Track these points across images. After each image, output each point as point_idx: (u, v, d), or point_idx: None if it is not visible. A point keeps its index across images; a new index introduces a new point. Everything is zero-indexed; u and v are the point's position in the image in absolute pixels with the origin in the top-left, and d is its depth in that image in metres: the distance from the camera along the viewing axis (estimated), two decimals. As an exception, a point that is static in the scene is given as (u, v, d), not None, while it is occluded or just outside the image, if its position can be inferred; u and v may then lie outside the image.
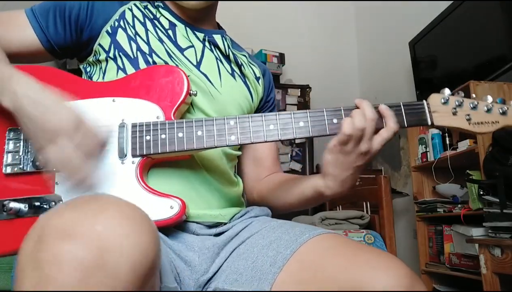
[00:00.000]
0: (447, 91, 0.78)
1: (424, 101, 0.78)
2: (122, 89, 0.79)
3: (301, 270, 0.67)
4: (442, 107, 0.77)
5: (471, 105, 0.77)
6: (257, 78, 0.99)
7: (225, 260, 0.77)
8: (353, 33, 3.77)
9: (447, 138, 2.26)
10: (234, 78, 0.93)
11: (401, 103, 0.77)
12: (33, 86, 0.70)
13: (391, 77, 3.21)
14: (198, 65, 0.88)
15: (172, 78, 0.78)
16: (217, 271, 0.76)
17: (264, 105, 1.03)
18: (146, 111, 0.77)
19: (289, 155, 2.96)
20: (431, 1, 2.60)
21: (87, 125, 0.68)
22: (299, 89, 3.15)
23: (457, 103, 0.77)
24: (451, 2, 2.32)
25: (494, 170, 1.67)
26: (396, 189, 2.86)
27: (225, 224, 0.83)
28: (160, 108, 0.77)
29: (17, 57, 0.84)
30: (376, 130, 0.73)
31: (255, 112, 1.00)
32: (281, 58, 3.15)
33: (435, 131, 2.32)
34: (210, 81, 0.88)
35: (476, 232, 1.88)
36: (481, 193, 1.76)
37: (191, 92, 0.79)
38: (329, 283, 0.63)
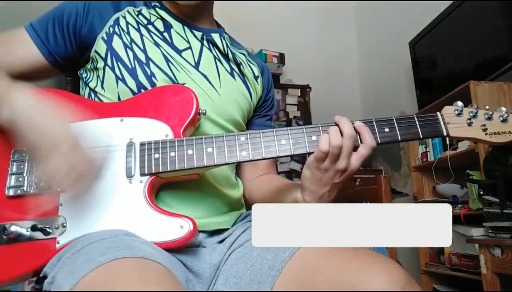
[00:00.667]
0: (459, 103, 0.78)
1: (438, 113, 0.77)
2: (130, 109, 0.78)
3: (299, 273, 0.67)
4: (456, 118, 0.77)
5: (486, 116, 0.77)
6: (256, 77, 0.98)
7: (224, 263, 0.77)
8: (353, 33, 3.77)
9: (447, 138, 2.26)
10: (234, 77, 0.93)
11: (415, 115, 0.76)
12: (30, 96, 0.69)
13: (391, 77, 3.21)
14: (196, 66, 0.87)
15: (181, 97, 0.77)
16: (218, 275, 0.76)
17: (263, 105, 1.02)
18: (155, 130, 0.75)
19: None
20: (431, 1, 2.60)
21: (82, 146, 0.67)
22: (299, 89, 3.16)
23: (471, 114, 0.77)
24: (451, 2, 2.32)
25: (494, 170, 1.67)
26: (396, 189, 2.85)
27: (227, 229, 0.83)
28: (169, 127, 0.75)
29: (22, 77, 0.82)
30: (355, 148, 0.72)
31: (254, 111, 1.00)
32: (281, 58, 3.15)
33: (435, 131, 2.32)
34: (209, 82, 0.87)
35: (476, 232, 1.88)
36: (481, 193, 1.76)
37: (200, 111, 0.78)
38: (327, 285, 0.63)
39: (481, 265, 1.74)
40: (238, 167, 0.98)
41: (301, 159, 2.98)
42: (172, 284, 0.56)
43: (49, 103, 0.70)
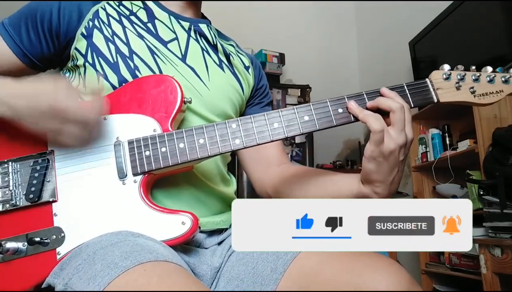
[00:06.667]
0: (446, 66, 0.77)
1: (427, 79, 0.76)
2: (112, 106, 0.74)
3: (302, 275, 0.66)
4: (445, 83, 0.76)
5: (473, 77, 0.76)
6: (247, 68, 0.95)
7: (225, 264, 0.76)
8: (353, 33, 3.77)
9: (447, 139, 2.26)
10: (222, 69, 0.89)
11: (404, 84, 0.75)
12: (8, 82, 0.69)
13: (391, 77, 3.20)
14: (183, 58, 0.83)
15: (164, 88, 0.74)
16: (219, 277, 0.76)
17: (256, 93, 0.98)
18: (141, 125, 0.72)
19: (289, 155, 2.96)
20: (431, 1, 2.60)
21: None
22: (299, 89, 3.16)
23: (459, 77, 0.76)
24: (451, 2, 2.32)
25: (494, 170, 1.68)
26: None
27: (225, 229, 0.82)
28: (156, 121, 0.72)
29: None
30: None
31: (247, 102, 0.97)
32: (281, 58, 3.15)
33: (435, 131, 2.32)
34: (197, 75, 0.84)
35: (476, 232, 1.88)
36: (481, 193, 1.76)
37: (186, 99, 0.75)
38: (330, 286, 0.63)
39: (481, 265, 1.74)
40: (243, 163, 0.95)
41: (301, 158, 2.98)
42: (200, 286, 0.57)
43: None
